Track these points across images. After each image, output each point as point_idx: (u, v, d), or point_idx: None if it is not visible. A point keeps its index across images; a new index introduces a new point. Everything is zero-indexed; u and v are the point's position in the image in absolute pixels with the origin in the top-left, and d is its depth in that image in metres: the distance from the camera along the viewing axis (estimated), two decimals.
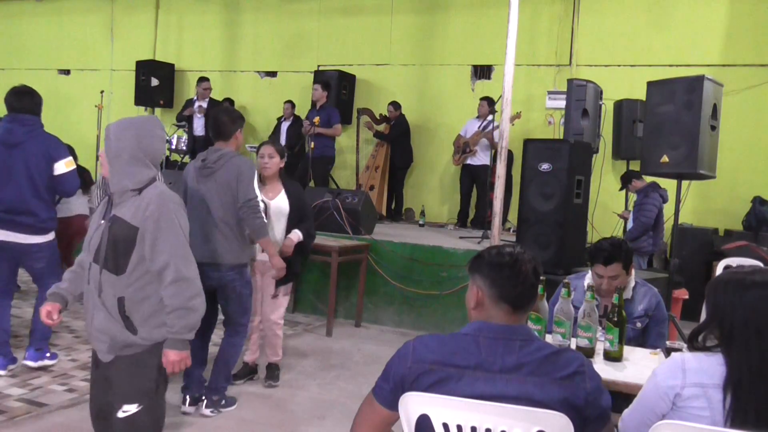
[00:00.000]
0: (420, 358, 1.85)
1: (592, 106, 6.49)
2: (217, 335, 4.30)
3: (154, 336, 2.55)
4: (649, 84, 5.19)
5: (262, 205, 4.35)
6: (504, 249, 1.95)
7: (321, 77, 9.15)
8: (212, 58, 11.02)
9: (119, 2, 11.71)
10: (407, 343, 1.92)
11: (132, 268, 2.51)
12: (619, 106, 7.89)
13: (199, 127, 9.41)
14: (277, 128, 9.64)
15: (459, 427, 1.77)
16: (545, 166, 5.58)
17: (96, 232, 2.60)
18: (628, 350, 2.92)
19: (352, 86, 9.91)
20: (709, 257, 7.02)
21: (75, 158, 6.84)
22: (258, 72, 10.85)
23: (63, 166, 4.35)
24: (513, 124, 6.85)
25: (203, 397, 4.06)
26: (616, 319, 2.80)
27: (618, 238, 3.47)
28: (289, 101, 9.58)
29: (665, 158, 4.93)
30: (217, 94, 10.20)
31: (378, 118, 9.08)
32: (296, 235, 4.54)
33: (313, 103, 8.85)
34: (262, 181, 4.48)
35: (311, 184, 8.37)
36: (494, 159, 7.21)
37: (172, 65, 11.11)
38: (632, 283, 3.36)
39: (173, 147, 9.18)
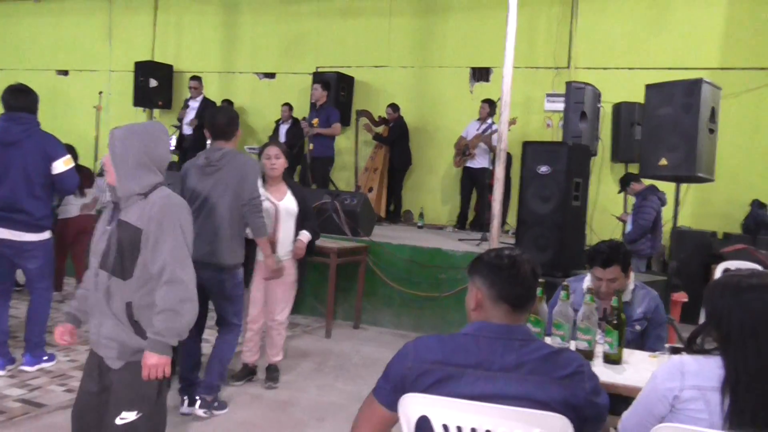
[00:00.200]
0: (420, 358, 1.86)
1: (591, 108, 6.50)
2: (212, 335, 4.29)
3: None
4: (648, 87, 5.21)
5: (270, 206, 4.37)
6: (503, 251, 1.98)
7: (320, 79, 9.17)
8: (211, 59, 11.02)
9: (118, 3, 11.71)
10: (407, 343, 1.93)
11: (139, 272, 2.50)
12: (618, 108, 7.91)
13: (187, 126, 9.39)
14: (276, 131, 9.64)
15: (459, 429, 1.78)
16: (544, 169, 5.59)
17: (102, 237, 2.60)
18: (627, 353, 2.92)
19: (351, 88, 9.91)
20: (708, 260, 7.03)
21: (76, 157, 6.84)
22: (257, 73, 10.85)
23: (61, 165, 4.34)
24: (509, 129, 6.86)
25: (197, 397, 4.05)
26: (615, 321, 2.81)
27: (616, 241, 3.47)
28: (287, 104, 9.59)
29: (664, 161, 4.95)
30: (216, 95, 10.20)
31: (377, 120, 9.09)
32: (306, 236, 4.59)
33: (313, 104, 8.86)
34: (266, 182, 4.48)
35: (312, 185, 8.37)
36: (493, 162, 7.22)
37: (171, 66, 11.11)
38: (631, 286, 3.37)
39: (172, 148, 9.19)
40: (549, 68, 8.85)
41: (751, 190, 7.65)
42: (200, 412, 4.00)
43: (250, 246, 4.24)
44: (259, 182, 4.23)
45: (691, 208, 7.51)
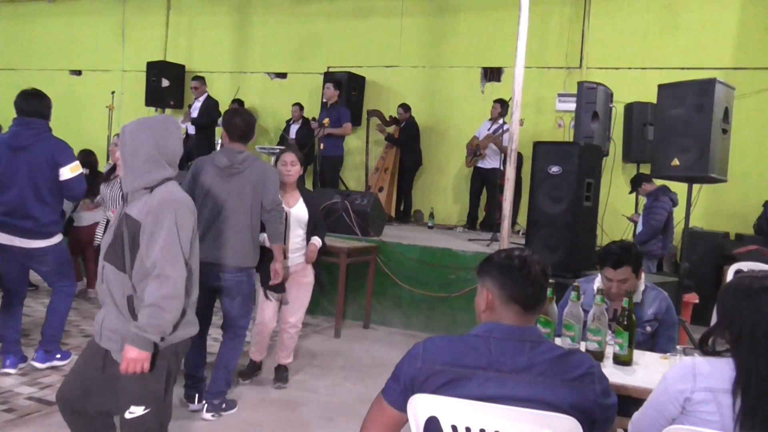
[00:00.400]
0: (430, 359, 1.85)
1: (603, 108, 6.47)
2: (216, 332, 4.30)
3: (167, 338, 2.54)
4: (660, 87, 5.17)
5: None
6: (513, 252, 1.98)
7: (331, 78, 9.18)
8: (222, 59, 11.06)
9: (131, 4, 11.78)
10: (417, 343, 1.93)
11: (138, 265, 2.51)
12: (630, 108, 7.86)
13: (189, 128, 9.41)
14: (286, 131, 9.67)
15: (468, 429, 1.77)
16: (555, 169, 5.56)
17: (110, 230, 2.62)
18: (637, 354, 2.90)
19: (362, 88, 9.92)
20: (720, 261, 6.99)
21: (96, 164, 6.85)
22: (268, 73, 10.88)
23: (68, 172, 4.29)
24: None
25: (203, 401, 4.05)
26: (625, 322, 2.79)
27: (628, 242, 3.45)
28: (298, 104, 9.61)
29: (676, 161, 4.91)
30: (227, 95, 10.24)
31: (388, 120, 9.09)
32: (318, 241, 4.62)
33: (324, 103, 8.87)
34: (281, 187, 4.49)
35: (322, 185, 8.38)
36: (504, 162, 7.20)
37: (183, 66, 11.16)
38: (642, 287, 3.35)
39: None
40: (561, 68, 8.82)
41: (763, 190, 7.59)
42: (208, 416, 4.00)
43: (264, 250, 4.25)
44: None
45: (703, 208, 7.45)
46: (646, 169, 7.21)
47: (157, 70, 10.77)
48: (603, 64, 8.61)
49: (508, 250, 2.00)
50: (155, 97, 10.76)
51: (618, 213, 7.73)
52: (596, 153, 5.99)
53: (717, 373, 1.85)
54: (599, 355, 2.78)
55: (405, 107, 9.09)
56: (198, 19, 11.36)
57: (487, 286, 1.94)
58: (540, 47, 8.64)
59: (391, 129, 9.11)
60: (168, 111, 11.14)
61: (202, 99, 9.45)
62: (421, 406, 1.81)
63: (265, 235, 4.12)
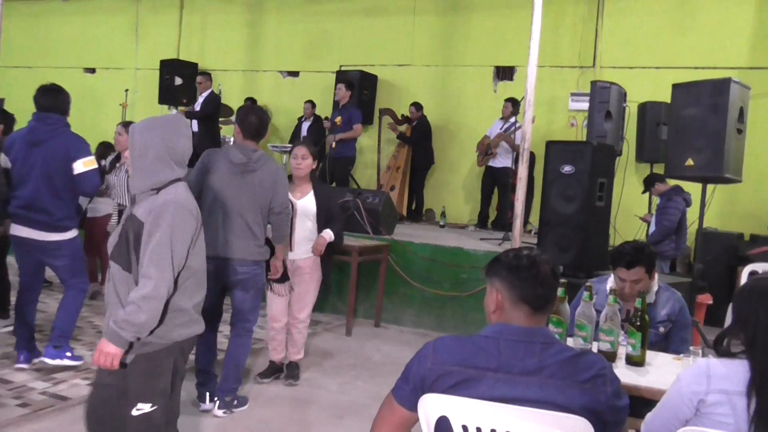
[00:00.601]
0: (440, 360, 1.85)
1: (616, 108, 6.43)
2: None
3: (171, 335, 2.55)
4: (675, 86, 5.14)
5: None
6: (521, 251, 1.96)
7: (343, 77, 9.18)
8: (235, 58, 11.10)
9: (144, 2, 11.84)
10: (427, 343, 1.92)
11: (139, 264, 2.51)
12: (643, 108, 7.81)
13: (193, 124, 9.40)
14: (298, 128, 9.68)
15: (478, 430, 1.76)
16: (567, 169, 5.54)
17: (116, 231, 2.63)
18: (650, 355, 2.89)
19: (374, 87, 9.92)
20: (734, 262, 6.93)
21: (117, 159, 6.86)
22: (280, 72, 10.90)
23: (81, 166, 4.31)
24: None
25: (215, 398, 4.06)
26: (638, 323, 2.77)
27: (641, 242, 3.43)
28: (310, 101, 9.62)
29: (690, 162, 4.88)
30: (240, 94, 10.26)
31: (400, 118, 9.09)
32: (328, 234, 4.60)
33: (336, 103, 8.87)
34: (291, 180, 4.51)
35: (332, 184, 8.39)
36: (516, 161, 7.18)
37: (196, 64, 11.18)
38: (655, 288, 3.33)
39: None
40: (574, 67, 8.78)
41: None
42: (220, 413, 4.02)
43: (267, 243, 4.28)
44: None
45: (717, 209, 7.38)
46: (659, 168, 7.16)
47: (170, 68, 10.79)
48: (616, 63, 8.56)
49: (516, 250, 1.98)
50: (168, 95, 10.79)
51: (631, 213, 7.69)
52: (609, 152, 5.95)
53: (732, 374, 1.83)
54: (612, 356, 2.77)
55: (417, 106, 9.08)
56: (211, 18, 11.40)
57: (496, 286, 1.92)
58: (553, 46, 8.60)
59: (403, 128, 9.11)
60: (180, 109, 11.18)
61: (205, 94, 9.37)
62: (432, 406, 1.81)
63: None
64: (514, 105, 8.17)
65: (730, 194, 7.45)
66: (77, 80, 12.06)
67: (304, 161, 4.49)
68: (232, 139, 8.80)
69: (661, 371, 2.72)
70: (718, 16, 8.07)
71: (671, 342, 3.30)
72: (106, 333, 2.47)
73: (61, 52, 12.47)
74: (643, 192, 7.23)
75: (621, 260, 3.19)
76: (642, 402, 2.37)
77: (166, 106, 10.93)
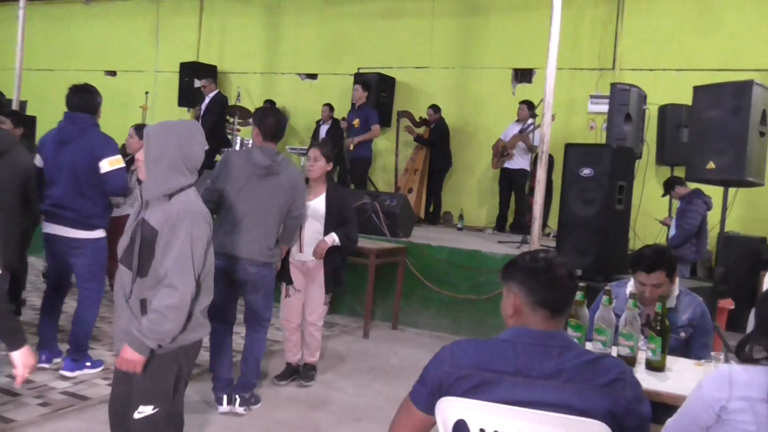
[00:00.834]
0: (458, 363, 1.84)
1: (636, 110, 6.38)
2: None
3: (178, 339, 2.56)
4: (696, 89, 5.10)
5: None
6: (537, 254, 1.94)
7: (361, 79, 9.19)
8: (254, 60, 11.16)
9: (165, 5, 11.95)
10: (445, 347, 1.91)
11: (153, 271, 2.53)
12: (664, 110, 7.75)
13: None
14: (316, 131, 9.71)
15: None
16: (586, 171, 5.51)
17: (127, 233, 2.65)
18: (671, 360, 2.86)
19: (392, 89, 9.93)
20: (756, 266, 6.85)
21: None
22: (299, 74, 10.95)
23: (107, 165, 4.32)
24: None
25: (235, 396, 4.08)
26: (659, 328, 2.75)
27: (661, 246, 3.40)
28: (328, 104, 9.64)
29: (711, 164, 4.83)
30: (259, 96, 10.30)
31: (418, 121, 9.08)
32: (331, 238, 4.53)
33: (353, 104, 8.89)
34: (307, 182, 4.52)
35: (351, 186, 8.41)
36: (534, 163, 7.15)
37: (215, 67, 11.26)
38: (676, 292, 3.29)
39: None
40: (593, 69, 8.72)
41: None
42: (240, 410, 4.05)
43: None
44: None
45: (739, 212, 7.30)
46: (679, 171, 7.09)
47: (189, 70, 10.89)
48: (636, 65, 8.49)
49: (532, 253, 1.97)
50: (187, 97, 10.87)
51: (651, 216, 7.62)
52: (629, 155, 5.91)
53: (754, 381, 1.81)
54: (631, 361, 2.74)
55: (435, 108, 9.07)
56: (230, 21, 11.48)
57: (513, 290, 1.90)
58: (572, 48, 8.55)
59: (420, 130, 9.10)
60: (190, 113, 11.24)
61: (211, 95, 9.19)
62: (450, 409, 1.80)
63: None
64: (529, 108, 8.13)
65: (752, 197, 7.36)
66: (98, 83, 11.95)
67: (316, 163, 4.49)
68: (239, 139, 8.85)
69: (681, 377, 2.69)
70: (740, 18, 7.98)
71: (692, 347, 3.25)
72: (128, 340, 2.50)
73: (83, 55, 12.61)
74: (663, 195, 7.17)
75: (641, 264, 3.16)
76: (662, 408, 2.34)
77: (185, 109, 11.02)
